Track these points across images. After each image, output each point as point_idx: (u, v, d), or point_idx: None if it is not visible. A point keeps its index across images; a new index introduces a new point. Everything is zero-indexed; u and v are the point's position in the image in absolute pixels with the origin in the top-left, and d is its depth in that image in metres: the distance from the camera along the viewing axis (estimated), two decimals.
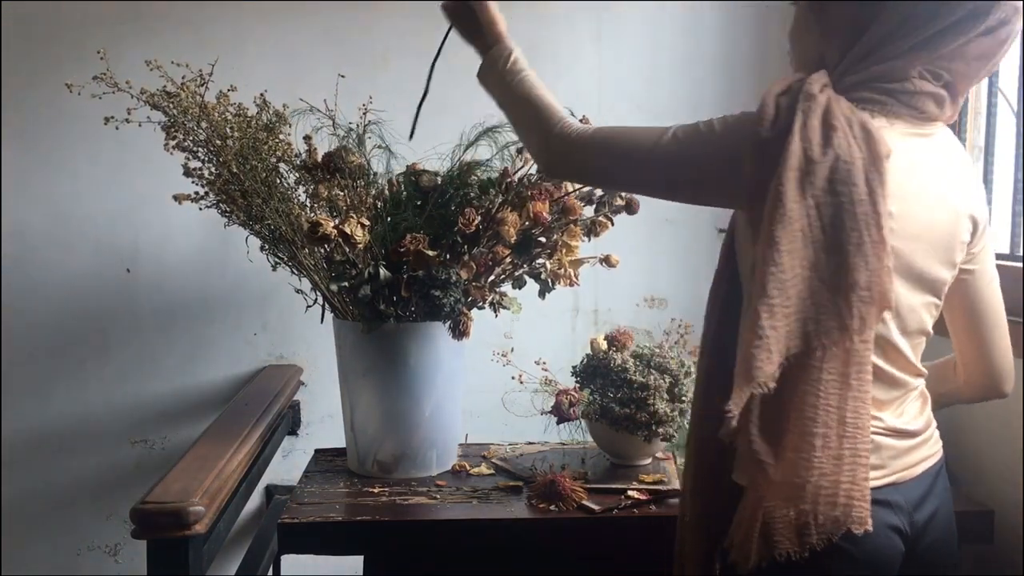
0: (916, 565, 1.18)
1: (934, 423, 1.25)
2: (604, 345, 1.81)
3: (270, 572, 2.11)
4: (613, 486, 1.66)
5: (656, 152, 1.18)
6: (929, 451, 1.22)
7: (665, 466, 1.78)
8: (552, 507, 1.57)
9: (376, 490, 1.67)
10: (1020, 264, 1.59)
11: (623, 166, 1.23)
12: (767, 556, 1.07)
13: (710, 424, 1.14)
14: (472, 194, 1.71)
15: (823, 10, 1.16)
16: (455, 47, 2.35)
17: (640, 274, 2.42)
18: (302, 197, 1.75)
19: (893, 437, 1.16)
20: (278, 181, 1.72)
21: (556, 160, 1.30)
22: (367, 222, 1.59)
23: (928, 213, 1.13)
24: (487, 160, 1.75)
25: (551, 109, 1.29)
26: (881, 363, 1.14)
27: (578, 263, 1.75)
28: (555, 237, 1.72)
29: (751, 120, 1.10)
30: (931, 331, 1.19)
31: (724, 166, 1.12)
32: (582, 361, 1.82)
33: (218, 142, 1.65)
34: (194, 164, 1.70)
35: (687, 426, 1.75)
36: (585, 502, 1.57)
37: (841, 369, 1.04)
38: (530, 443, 1.97)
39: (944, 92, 1.11)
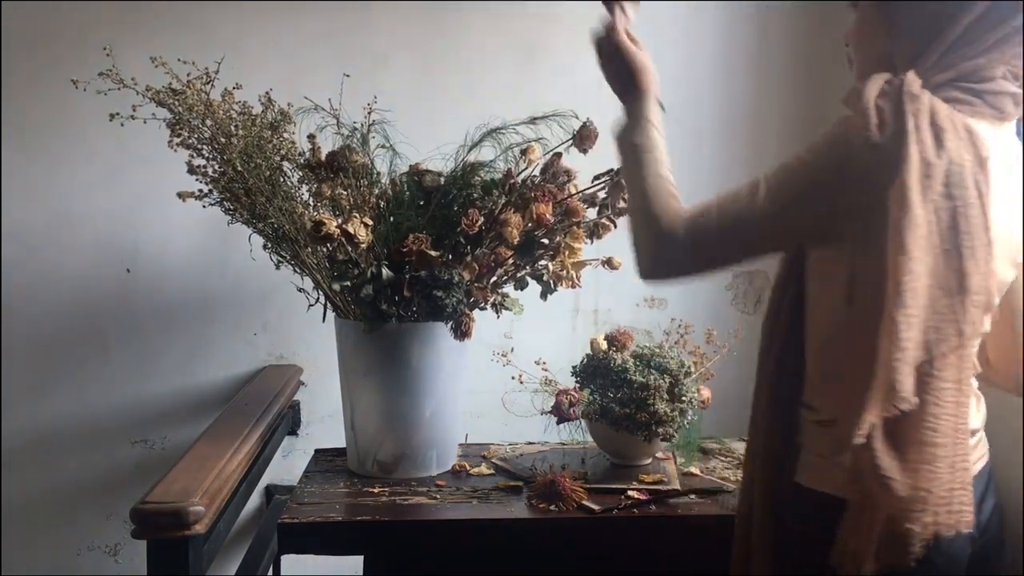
0: (976, 563, 1.18)
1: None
2: (604, 345, 1.81)
3: (270, 572, 2.10)
4: (613, 486, 1.66)
5: (760, 217, 1.13)
6: (983, 449, 1.23)
7: (665, 466, 1.78)
8: (552, 507, 1.57)
9: (376, 490, 1.67)
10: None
11: (734, 254, 1.18)
12: (878, 569, 1.06)
13: (778, 430, 1.20)
14: (475, 195, 1.71)
15: (897, 9, 1.14)
16: (454, 48, 2.36)
17: None
18: (305, 196, 1.75)
19: None
20: (282, 180, 1.72)
21: (661, 271, 1.21)
22: (370, 222, 1.59)
23: (1001, 213, 1.11)
24: (491, 161, 1.75)
25: (666, 207, 1.20)
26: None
27: (581, 265, 1.76)
28: (558, 239, 1.72)
29: (856, 128, 1.06)
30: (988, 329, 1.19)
31: (830, 191, 1.08)
32: (582, 361, 1.82)
33: (222, 140, 1.65)
34: (198, 162, 1.70)
35: (687, 426, 1.76)
36: (585, 502, 1.58)
37: (955, 376, 1.05)
38: (530, 443, 1.97)
39: (1020, 92, 1.12)
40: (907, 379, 1.01)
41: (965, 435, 1.07)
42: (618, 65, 1.37)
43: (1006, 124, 1.15)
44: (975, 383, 1.21)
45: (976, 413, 1.22)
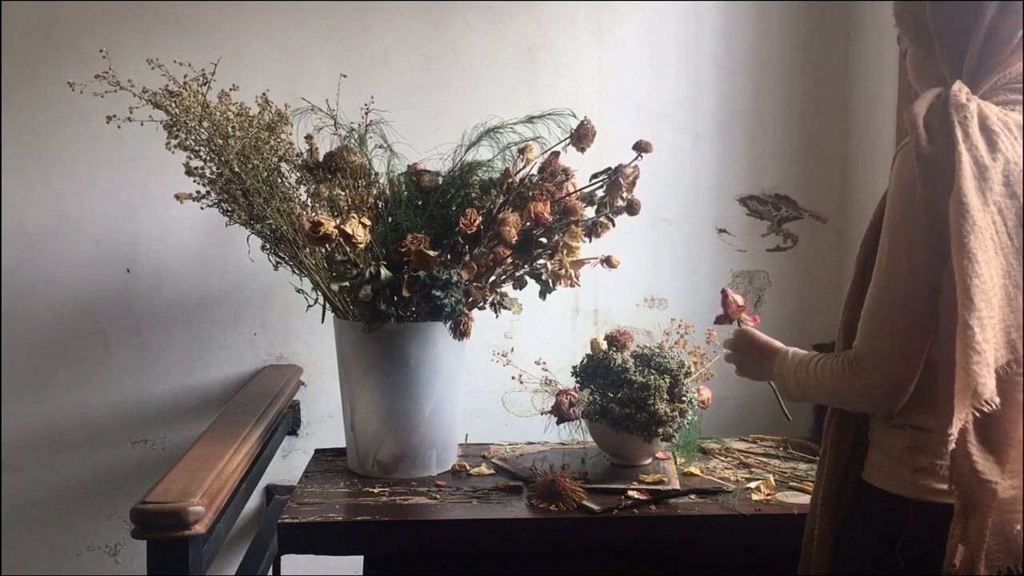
0: None
1: None
2: (604, 345, 1.81)
3: (270, 572, 2.11)
4: (613, 486, 1.66)
5: (908, 284, 1.11)
6: None
7: (665, 466, 1.78)
8: (552, 507, 1.57)
9: (376, 490, 1.67)
10: None
11: (915, 328, 1.12)
12: (991, 573, 1.06)
13: (848, 428, 1.23)
14: (473, 194, 1.71)
15: (927, 26, 1.17)
16: (453, 48, 2.37)
17: (640, 274, 2.42)
18: (303, 197, 1.75)
19: None
20: (279, 180, 1.72)
21: (893, 397, 1.15)
22: (368, 222, 1.59)
23: None
24: (488, 160, 1.75)
25: (835, 371, 1.19)
26: None
27: (579, 264, 1.75)
28: (556, 238, 1.72)
29: (912, 147, 1.07)
30: None
31: (925, 215, 1.08)
32: (582, 361, 1.82)
33: (220, 141, 1.65)
34: (196, 163, 1.70)
35: (687, 426, 1.76)
36: (585, 502, 1.57)
37: None
38: (530, 443, 1.97)
39: None
40: (988, 380, 1.01)
41: None
42: (745, 355, 1.41)
43: None
44: None
45: None
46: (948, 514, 1.11)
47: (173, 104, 1.64)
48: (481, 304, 1.74)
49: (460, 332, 1.69)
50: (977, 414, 1.02)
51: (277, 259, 1.79)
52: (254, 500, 2.35)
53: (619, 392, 1.73)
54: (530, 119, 1.72)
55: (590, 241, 1.76)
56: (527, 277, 1.78)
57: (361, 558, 1.63)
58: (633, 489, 1.64)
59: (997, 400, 1.01)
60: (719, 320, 1.59)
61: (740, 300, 1.58)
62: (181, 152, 1.68)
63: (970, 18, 1.12)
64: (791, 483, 1.71)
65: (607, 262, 1.79)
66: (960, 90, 1.08)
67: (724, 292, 1.58)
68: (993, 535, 1.06)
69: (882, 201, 1.22)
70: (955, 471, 1.07)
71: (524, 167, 1.72)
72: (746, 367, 1.41)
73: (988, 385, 1.01)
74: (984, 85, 1.12)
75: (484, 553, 1.57)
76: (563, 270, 1.73)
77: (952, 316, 1.07)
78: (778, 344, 1.37)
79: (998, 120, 1.07)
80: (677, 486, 1.67)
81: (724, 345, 1.48)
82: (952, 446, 1.03)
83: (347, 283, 1.62)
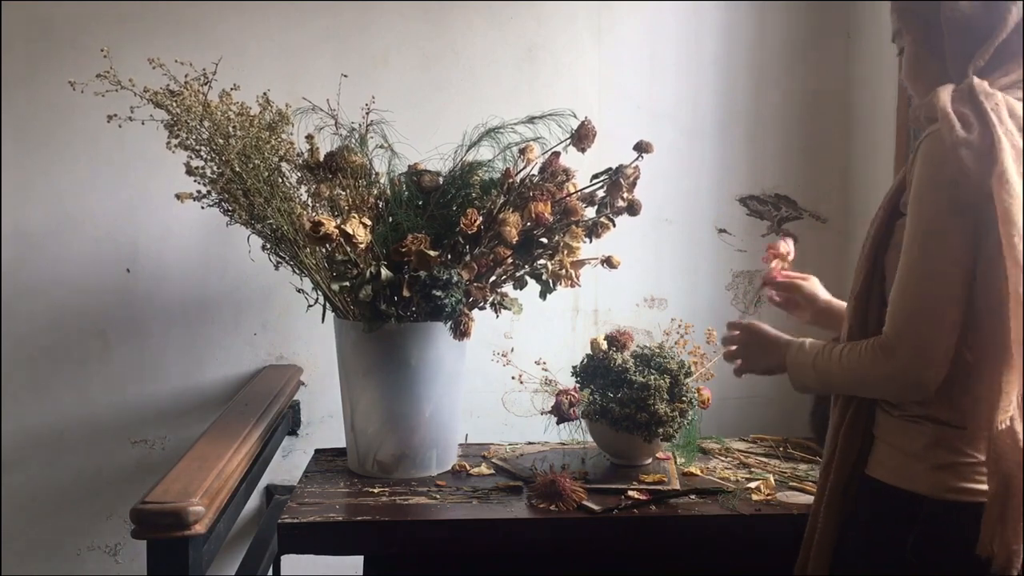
0: None
1: None
2: (604, 345, 1.81)
3: (270, 572, 2.11)
4: (613, 486, 1.66)
5: (939, 271, 1.12)
6: None
7: (665, 466, 1.78)
8: (552, 507, 1.57)
9: (376, 490, 1.67)
10: None
11: (948, 311, 1.13)
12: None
13: (858, 428, 1.23)
14: (474, 194, 1.71)
15: (939, 30, 1.18)
16: (454, 48, 2.36)
17: (640, 274, 2.42)
18: (304, 196, 1.75)
19: None
20: (280, 180, 1.72)
21: (922, 377, 1.14)
22: (369, 222, 1.59)
23: None
24: (489, 161, 1.75)
25: (863, 356, 1.19)
26: None
27: (579, 264, 1.75)
28: (556, 238, 1.72)
29: (944, 134, 1.09)
30: None
31: (959, 203, 1.10)
32: (582, 361, 1.82)
33: (220, 141, 1.65)
34: (196, 163, 1.70)
35: (687, 426, 1.76)
36: (585, 502, 1.57)
37: None
38: (530, 443, 1.97)
39: None
40: None
41: None
42: (754, 348, 1.41)
43: None
44: None
45: None
46: (964, 512, 1.12)
47: (174, 104, 1.64)
48: (481, 304, 1.74)
49: (460, 332, 1.69)
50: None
51: (277, 259, 1.79)
52: (254, 500, 2.35)
53: (619, 392, 1.73)
54: (530, 119, 1.72)
55: (590, 241, 1.76)
56: (527, 277, 1.78)
57: (361, 558, 1.63)
58: (633, 489, 1.64)
59: None
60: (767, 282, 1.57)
61: (785, 249, 1.55)
62: (182, 152, 1.68)
63: (994, 20, 1.14)
64: (791, 483, 1.72)
65: (607, 262, 1.79)
66: (981, 82, 1.11)
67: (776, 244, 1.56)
68: None
69: (891, 193, 1.22)
70: (995, 451, 1.08)
71: (525, 167, 1.72)
72: (755, 360, 1.41)
73: None
74: (999, 84, 1.14)
75: (484, 553, 1.57)
76: (563, 270, 1.73)
77: (992, 314, 1.09)
78: (787, 336, 1.37)
79: (1017, 106, 1.10)
80: (677, 486, 1.67)
81: (725, 341, 1.47)
82: (1002, 427, 1.04)
83: (347, 283, 1.62)
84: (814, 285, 1.57)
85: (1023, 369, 1.05)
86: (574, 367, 1.82)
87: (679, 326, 1.90)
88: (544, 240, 1.73)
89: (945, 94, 1.11)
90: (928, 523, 1.15)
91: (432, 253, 1.60)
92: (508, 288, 1.79)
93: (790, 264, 1.59)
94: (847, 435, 1.26)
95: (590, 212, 1.76)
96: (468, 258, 1.68)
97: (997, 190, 1.05)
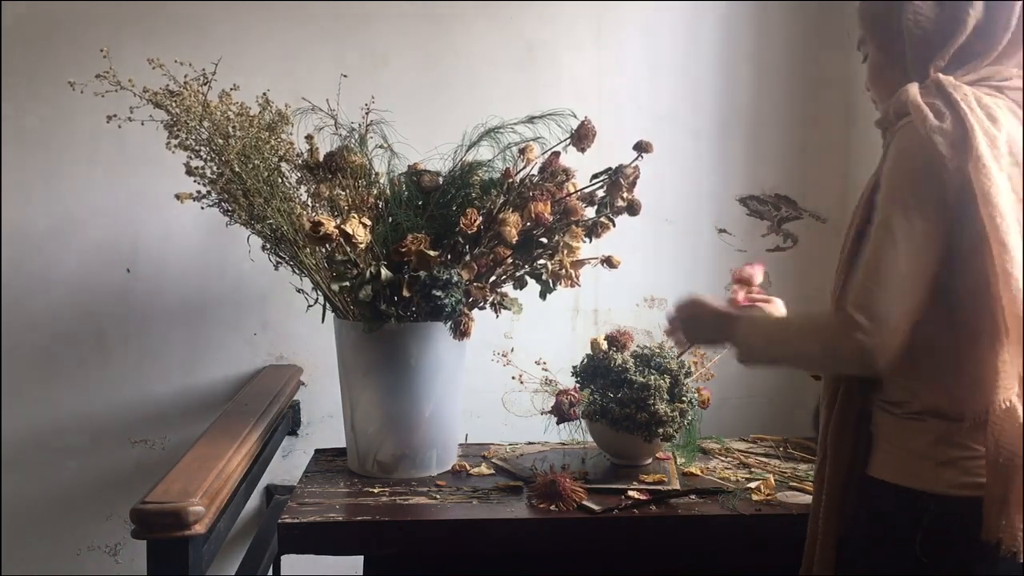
0: None
1: None
2: (604, 345, 1.81)
3: (270, 572, 2.11)
4: (613, 486, 1.66)
5: (906, 254, 1.13)
6: None
7: (665, 466, 1.78)
8: (552, 507, 1.57)
9: (376, 490, 1.67)
10: None
11: (912, 284, 1.13)
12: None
13: (848, 425, 1.24)
14: (474, 194, 1.71)
15: (899, 36, 1.21)
16: (454, 48, 2.36)
17: (640, 274, 2.42)
18: (304, 197, 1.75)
19: None
20: (280, 180, 1.72)
21: (880, 354, 1.13)
22: (368, 222, 1.59)
23: None
24: (489, 161, 1.75)
25: (821, 330, 1.20)
26: None
27: (579, 264, 1.75)
28: (556, 238, 1.72)
29: (918, 125, 1.11)
30: None
31: (935, 192, 1.11)
32: (582, 361, 1.82)
33: (220, 141, 1.65)
34: (196, 163, 1.70)
35: (687, 426, 1.76)
36: (585, 502, 1.57)
37: None
38: (530, 443, 1.97)
39: None
40: None
41: None
42: (698, 321, 1.41)
43: None
44: None
45: None
46: (971, 507, 1.12)
47: (174, 104, 1.64)
48: (481, 304, 1.74)
49: (460, 332, 1.69)
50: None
51: (277, 259, 1.79)
52: (254, 500, 2.35)
53: (619, 392, 1.73)
54: (530, 119, 1.72)
55: (590, 241, 1.76)
56: (527, 277, 1.78)
57: (361, 558, 1.63)
58: (633, 489, 1.64)
59: None
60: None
61: (748, 274, 1.56)
62: (181, 152, 1.68)
63: (953, 23, 1.17)
64: (791, 483, 1.71)
65: (607, 262, 1.79)
66: (948, 77, 1.14)
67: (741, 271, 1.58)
68: None
69: (867, 194, 1.23)
70: (995, 434, 1.09)
71: (524, 167, 1.72)
72: (699, 332, 1.41)
73: None
74: (967, 79, 1.17)
75: (484, 553, 1.57)
76: (563, 270, 1.73)
77: (976, 295, 1.11)
78: (734, 310, 1.40)
79: (989, 100, 1.13)
80: (677, 486, 1.67)
81: (668, 314, 1.47)
82: (1006, 404, 1.06)
83: (347, 283, 1.62)
84: (777, 308, 1.54)
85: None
86: (574, 367, 1.82)
87: None
88: (544, 240, 1.73)
89: (913, 89, 1.15)
90: (937, 520, 1.15)
91: (432, 253, 1.60)
92: (508, 288, 1.79)
93: (757, 288, 1.58)
94: (836, 434, 1.26)
95: (590, 212, 1.75)
96: (468, 258, 1.68)
97: (975, 175, 1.07)
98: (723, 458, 1.89)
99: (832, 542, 1.26)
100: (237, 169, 1.65)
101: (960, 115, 1.10)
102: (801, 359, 1.29)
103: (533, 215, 1.66)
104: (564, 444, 1.93)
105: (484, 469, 1.79)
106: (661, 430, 1.70)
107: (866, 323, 1.11)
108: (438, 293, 1.60)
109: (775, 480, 1.71)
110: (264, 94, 1.74)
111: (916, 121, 1.11)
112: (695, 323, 1.42)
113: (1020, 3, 1.16)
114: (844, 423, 1.26)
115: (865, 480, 1.24)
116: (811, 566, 1.30)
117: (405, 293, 1.61)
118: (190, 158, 1.69)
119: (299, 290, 1.81)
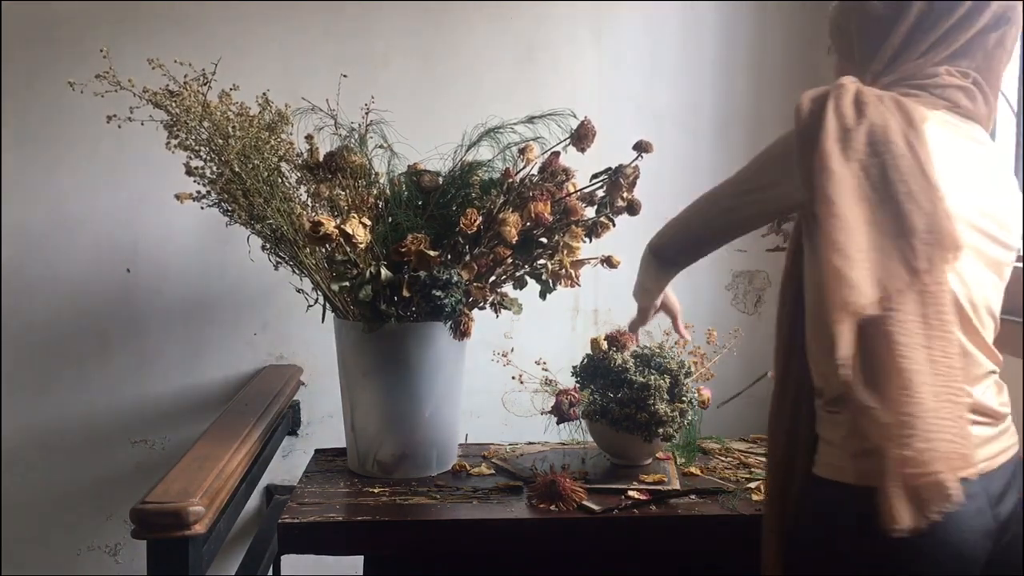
0: (997, 562, 1.19)
1: (1010, 415, 1.27)
2: (604, 345, 1.81)
3: (270, 572, 2.11)
4: (613, 486, 1.66)
5: (720, 209, 1.33)
6: (1008, 441, 1.24)
7: (665, 466, 1.78)
8: (552, 507, 1.57)
9: (376, 490, 1.67)
10: (1020, 264, 1.58)
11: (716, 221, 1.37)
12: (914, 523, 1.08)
13: (784, 421, 1.29)
14: (473, 194, 1.71)
15: (851, 34, 1.27)
16: (453, 48, 2.36)
17: None
18: (304, 197, 1.75)
19: (978, 425, 1.17)
20: (280, 180, 1.72)
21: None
22: (368, 222, 1.59)
23: (977, 193, 1.19)
24: (489, 161, 1.75)
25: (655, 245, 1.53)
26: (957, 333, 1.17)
27: (579, 264, 1.75)
28: (556, 238, 1.72)
29: (790, 133, 1.19)
30: (998, 316, 1.24)
31: (781, 185, 1.23)
32: (582, 361, 1.82)
33: (220, 141, 1.65)
34: (196, 163, 1.70)
35: (687, 426, 1.76)
36: (585, 502, 1.57)
37: (920, 311, 1.09)
38: (530, 443, 1.97)
39: (973, 88, 1.20)
40: (858, 296, 1.06)
41: (952, 369, 1.09)
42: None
43: (976, 127, 1.23)
44: (995, 368, 1.24)
45: (995, 398, 1.23)
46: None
47: (173, 104, 1.64)
48: (481, 304, 1.74)
49: (460, 332, 1.69)
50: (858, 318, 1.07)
51: (277, 259, 1.79)
52: (254, 500, 2.35)
53: (619, 392, 1.73)
54: (530, 119, 1.72)
55: (590, 241, 1.76)
56: (527, 277, 1.78)
57: (361, 558, 1.63)
58: (633, 489, 1.64)
59: (871, 311, 1.06)
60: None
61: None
62: (181, 152, 1.68)
63: (888, 25, 1.22)
64: None
65: (607, 262, 1.79)
66: (845, 78, 1.18)
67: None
68: (901, 479, 1.07)
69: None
70: (848, 410, 1.12)
71: (524, 167, 1.72)
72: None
73: (859, 299, 1.06)
74: (883, 82, 1.22)
75: (484, 553, 1.57)
76: (563, 270, 1.73)
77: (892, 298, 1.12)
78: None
79: (872, 94, 1.15)
80: (677, 486, 1.67)
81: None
82: (848, 373, 1.07)
83: (347, 283, 1.62)
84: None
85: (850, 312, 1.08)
86: (574, 367, 1.82)
87: None
88: (544, 240, 1.73)
89: (812, 91, 1.18)
90: (857, 512, 1.14)
91: (432, 253, 1.60)
92: (508, 288, 1.79)
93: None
94: (772, 434, 1.31)
95: (590, 212, 1.75)
96: (468, 258, 1.68)
97: (816, 169, 1.12)
98: (723, 458, 1.89)
99: (773, 544, 1.30)
100: (237, 169, 1.65)
101: (820, 111, 1.14)
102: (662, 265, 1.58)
103: (533, 215, 1.65)
104: (564, 444, 1.93)
105: (484, 469, 1.79)
106: (661, 430, 1.70)
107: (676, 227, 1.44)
108: (438, 293, 1.60)
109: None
110: (264, 94, 1.74)
111: (795, 121, 1.18)
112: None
113: (954, 6, 1.19)
114: (779, 420, 1.30)
115: (810, 479, 1.25)
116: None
117: (405, 293, 1.61)
118: (190, 158, 1.69)
119: (299, 290, 1.81)
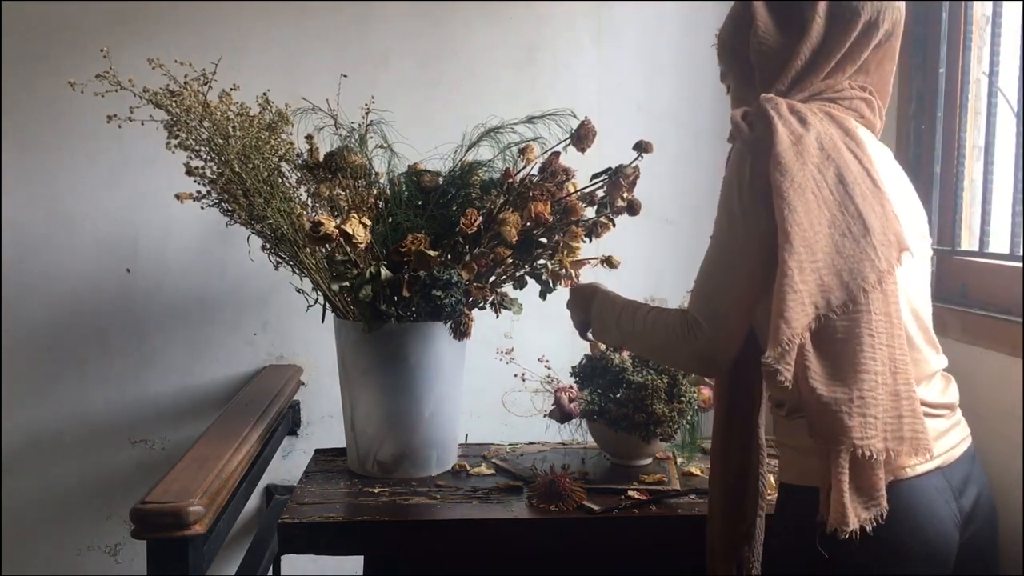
0: (963, 555, 1.20)
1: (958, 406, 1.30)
2: (603, 345, 1.81)
3: (270, 572, 2.11)
4: (613, 486, 1.66)
5: (732, 260, 1.23)
6: (963, 433, 1.26)
7: (665, 466, 1.78)
8: (552, 507, 1.57)
9: (376, 490, 1.67)
10: (1020, 264, 1.59)
11: (743, 285, 1.23)
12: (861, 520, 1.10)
13: (733, 427, 1.33)
14: (474, 194, 1.71)
15: (749, 66, 1.30)
16: (453, 48, 2.36)
17: (640, 274, 2.42)
18: (304, 197, 1.75)
19: (931, 418, 1.19)
20: (280, 180, 1.72)
21: (717, 354, 1.26)
22: (368, 222, 1.59)
23: (900, 192, 1.26)
24: (489, 161, 1.75)
25: (670, 329, 1.30)
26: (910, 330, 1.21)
27: (579, 264, 1.75)
28: (556, 238, 1.72)
29: (736, 141, 1.22)
30: (929, 304, 1.28)
31: (754, 196, 1.19)
32: (581, 361, 1.82)
33: (220, 141, 1.65)
34: (196, 163, 1.70)
35: (686, 426, 1.76)
36: (585, 502, 1.58)
37: (884, 309, 1.13)
38: (530, 443, 1.97)
39: (872, 99, 1.29)
40: (800, 317, 1.09)
41: (906, 367, 1.13)
42: (573, 303, 1.57)
43: (872, 132, 1.29)
44: (941, 362, 1.28)
45: (943, 393, 1.26)
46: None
47: (173, 104, 1.63)
48: (481, 304, 1.74)
49: (460, 332, 1.69)
50: (810, 351, 1.10)
51: (277, 259, 1.79)
52: (254, 500, 2.35)
53: (618, 392, 1.73)
54: (530, 119, 1.72)
55: (590, 241, 1.76)
56: (527, 277, 1.78)
57: (361, 558, 1.63)
58: (633, 489, 1.64)
59: (806, 335, 1.09)
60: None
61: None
62: (181, 152, 1.68)
63: (789, 52, 1.25)
64: None
65: (607, 262, 1.79)
66: (767, 95, 1.23)
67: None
68: (852, 474, 1.10)
69: None
70: (809, 413, 1.12)
71: (524, 167, 1.72)
72: (575, 314, 1.55)
73: (800, 320, 1.09)
74: (800, 96, 1.25)
75: (484, 553, 1.57)
76: (563, 270, 1.73)
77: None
78: (595, 284, 1.53)
79: (804, 107, 1.21)
80: (677, 486, 1.67)
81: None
82: (786, 379, 1.09)
83: (347, 283, 1.62)
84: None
85: (782, 326, 1.09)
86: (573, 367, 1.82)
87: None
88: (544, 240, 1.73)
89: (737, 112, 1.24)
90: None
91: (432, 253, 1.60)
92: (508, 288, 1.79)
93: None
94: (723, 449, 1.36)
95: (590, 212, 1.76)
96: (468, 258, 1.68)
97: (772, 171, 1.14)
98: None
99: (722, 552, 1.35)
100: (237, 169, 1.65)
101: (769, 122, 1.17)
102: (650, 353, 1.48)
103: (533, 215, 1.65)
104: (564, 444, 1.93)
105: (484, 469, 1.79)
106: (659, 430, 1.70)
107: (708, 333, 1.23)
108: (438, 293, 1.60)
109: (775, 480, 1.71)
110: (264, 94, 1.74)
111: (737, 137, 1.21)
112: (571, 305, 1.55)
113: (853, 24, 1.23)
114: (730, 433, 1.34)
115: (780, 488, 1.27)
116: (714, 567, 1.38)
117: (405, 293, 1.61)
118: (190, 158, 1.69)
119: (299, 290, 1.81)
